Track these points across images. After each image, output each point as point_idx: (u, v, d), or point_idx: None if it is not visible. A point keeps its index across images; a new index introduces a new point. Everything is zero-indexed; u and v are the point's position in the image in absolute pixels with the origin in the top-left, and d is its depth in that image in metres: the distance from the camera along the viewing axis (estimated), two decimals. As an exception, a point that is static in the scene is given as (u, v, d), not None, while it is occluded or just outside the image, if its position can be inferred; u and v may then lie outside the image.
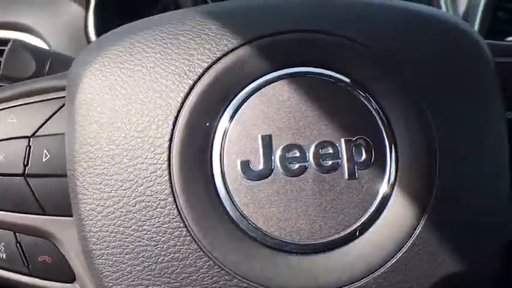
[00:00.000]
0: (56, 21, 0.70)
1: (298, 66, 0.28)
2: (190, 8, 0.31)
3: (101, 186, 0.27)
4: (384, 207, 0.28)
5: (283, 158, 0.27)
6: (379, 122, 0.28)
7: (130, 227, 0.26)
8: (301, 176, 0.27)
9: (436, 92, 0.29)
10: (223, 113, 0.28)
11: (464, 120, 0.29)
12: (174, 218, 0.27)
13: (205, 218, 0.27)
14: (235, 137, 0.27)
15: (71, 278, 0.30)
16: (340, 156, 0.28)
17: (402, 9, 0.31)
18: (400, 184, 0.28)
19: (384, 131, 0.28)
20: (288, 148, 0.27)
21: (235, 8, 0.30)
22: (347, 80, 0.29)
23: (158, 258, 0.26)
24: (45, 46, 0.68)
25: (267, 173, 0.27)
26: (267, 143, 0.27)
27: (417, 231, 0.28)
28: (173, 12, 0.32)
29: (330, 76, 0.28)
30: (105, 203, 0.27)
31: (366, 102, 0.28)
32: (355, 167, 0.28)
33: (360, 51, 0.29)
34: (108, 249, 0.26)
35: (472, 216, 0.29)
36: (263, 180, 0.27)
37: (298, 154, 0.27)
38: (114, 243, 0.26)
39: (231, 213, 0.27)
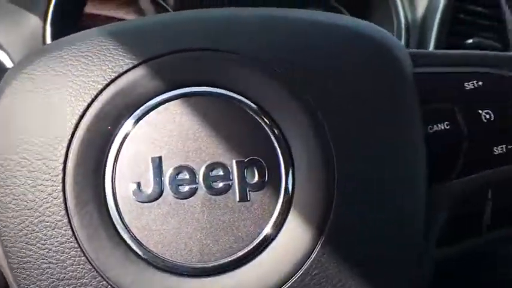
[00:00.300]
0: (16, 32, 0.70)
1: (189, 86, 0.28)
2: (95, 28, 0.31)
3: (10, 205, 0.27)
4: (279, 230, 0.27)
5: (173, 180, 0.27)
6: (275, 142, 0.28)
7: (35, 244, 0.27)
8: (191, 198, 0.27)
9: (338, 111, 0.28)
10: (116, 135, 0.28)
11: (369, 140, 0.29)
12: (69, 239, 0.27)
13: (98, 239, 0.27)
14: (127, 159, 0.27)
15: (3, 285, 0.30)
16: (231, 178, 0.27)
17: (305, 21, 0.31)
18: (296, 206, 0.27)
19: (279, 152, 0.28)
20: (178, 170, 0.27)
21: (133, 28, 0.30)
22: (242, 98, 0.28)
23: (60, 275, 0.27)
24: (6, 57, 0.68)
25: (157, 195, 0.27)
26: (157, 165, 0.27)
27: (314, 255, 0.27)
28: (84, 31, 0.32)
29: (223, 95, 0.28)
30: (15, 221, 0.27)
31: (261, 122, 0.28)
32: (247, 188, 0.27)
33: (255, 68, 0.28)
34: (21, 264, 0.27)
35: (376, 239, 0.28)
36: (154, 202, 0.27)
37: (188, 176, 0.27)
38: (24, 259, 0.27)
39: (122, 235, 0.27)
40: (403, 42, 0.69)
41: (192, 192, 0.27)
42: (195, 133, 0.27)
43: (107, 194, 0.27)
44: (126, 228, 0.27)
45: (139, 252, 0.27)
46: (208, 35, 0.29)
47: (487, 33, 0.70)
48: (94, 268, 0.27)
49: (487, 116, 0.32)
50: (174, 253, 0.27)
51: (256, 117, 0.28)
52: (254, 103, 0.28)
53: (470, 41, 0.68)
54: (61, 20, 0.68)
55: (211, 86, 0.28)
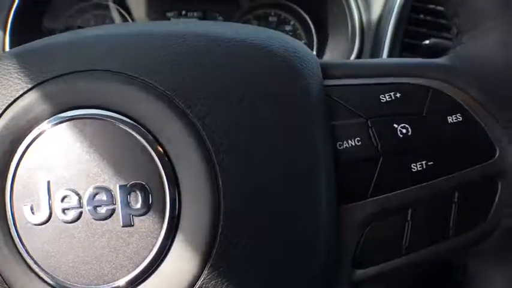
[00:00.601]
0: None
1: (77, 109, 0.27)
2: (8, 51, 0.31)
3: None
4: (165, 256, 0.26)
5: (60, 204, 0.26)
6: (160, 166, 0.26)
7: None
8: (77, 222, 0.26)
9: (226, 133, 0.27)
10: (12, 159, 0.27)
11: (260, 163, 0.27)
12: None
13: (3, 255, 0.27)
14: (22, 183, 0.27)
15: None
16: (115, 202, 0.26)
17: (198, 37, 0.29)
18: (182, 231, 0.26)
19: (164, 176, 0.26)
20: (64, 194, 0.26)
21: (37, 49, 0.29)
22: (128, 120, 0.27)
23: None
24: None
25: (46, 218, 0.26)
26: (46, 189, 0.26)
27: (200, 281, 0.26)
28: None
29: (109, 117, 0.27)
30: None
31: (146, 145, 0.26)
32: (131, 214, 0.26)
33: (140, 89, 0.27)
34: None
35: (268, 264, 0.27)
36: (44, 226, 0.27)
37: (73, 200, 0.26)
38: None
39: (22, 254, 0.27)
40: (357, 43, 0.67)
41: (78, 217, 0.26)
42: (82, 157, 0.27)
43: (7, 216, 0.27)
44: (24, 247, 0.27)
45: (37, 270, 0.27)
46: (94, 57, 0.28)
47: (448, 34, 0.68)
48: (4, 281, 0.27)
49: (404, 131, 0.30)
50: (65, 274, 0.27)
51: (142, 139, 0.27)
52: (140, 125, 0.27)
53: (427, 42, 0.66)
54: (21, 29, 0.67)
55: (98, 108, 0.27)
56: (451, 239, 0.31)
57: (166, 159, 0.26)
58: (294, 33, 0.83)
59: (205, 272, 0.26)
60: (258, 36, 0.30)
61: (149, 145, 0.26)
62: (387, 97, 0.30)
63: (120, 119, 0.27)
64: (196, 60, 0.28)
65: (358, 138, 0.29)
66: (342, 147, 0.29)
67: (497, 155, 0.31)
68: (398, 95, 0.30)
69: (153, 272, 0.26)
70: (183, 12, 0.84)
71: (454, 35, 0.35)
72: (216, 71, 0.28)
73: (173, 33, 0.29)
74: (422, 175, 0.30)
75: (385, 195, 0.30)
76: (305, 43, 0.83)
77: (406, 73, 0.31)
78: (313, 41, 0.80)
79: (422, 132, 0.30)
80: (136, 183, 0.26)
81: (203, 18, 0.84)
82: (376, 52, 0.66)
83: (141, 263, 0.26)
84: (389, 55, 0.64)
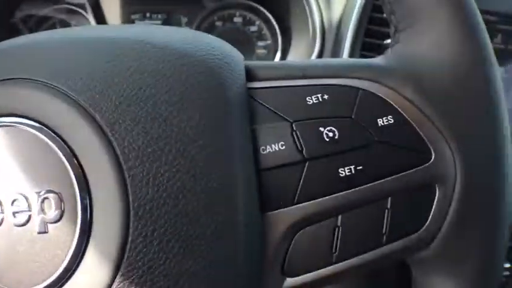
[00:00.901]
0: None
1: None
2: None
3: None
4: (78, 263, 0.26)
5: None
6: (71, 173, 0.26)
7: None
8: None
9: (137, 140, 0.26)
10: None
11: (172, 169, 0.26)
12: None
13: None
14: None
15: None
16: (31, 209, 0.26)
17: (116, 41, 0.28)
18: (94, 239, 0.25)
19: (75, 183, 0.26)
20: None
21: None
22: (42, 127, 0.26)
23: None
24: None
25: None
26: None
27: None
28: None
29: (25, 125, 0.26)
30: None
31: (58, 152, 0.26)
32: (45, 220, 0.26)
33: (55, 97, 0.26)
34: None
35: (181, 274, 0.26)
36: None
37: None
38: None
39: None
40: (317, 43, 0.66)
41: (0, 222, 0.26)
42: (1, 163, 0.26)
43: None
44: None
45: None
46: (12, 65, 0.28)
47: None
48: None
49: (330, 134, 0.29)
50: None
51: (55, 147, 0.26)
52: (53, 132, 0.26)
53: (388, 41, 0.65)
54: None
55: (13, 116, 0.27)
56: (385, 246, 0.29)
57: (78, 166, 0.26)
58: (260, 34, 0.82)
59: (117, 280, 0.25)
60: (175, 39, 0.29)
61: (61, 152, 0.26)
62: (314, 99, 0.29)
63: (34, 126, 0.26)
64: (108, 66, 0.27)
65: (282, 143, 0.28)
66: (265, 152, 0.28)
67: (432, 159, 0.30)
68: (326, 96, 0.29)
69: (68, 279, 0.26)
70: (147, 15, 0.83)
71: (391, 34, 0.34)
72: (129, 76, 0.27)
73: (87, 39, 0.28)
74: (351, 180, 0.29)
75: (312, 201, 0.28)
76: (270, 43, 0.83)
77: (335, 74, 0.30)
78: (278, 42, 0.79)
79: (351, 135, 0.29)
80: (50, 190, 0.26)
81: (167, 19, 0.83)
82: (337, 52, 0.65)
83: (56, 270, 0.26)
84: (350, 54, 0.63)
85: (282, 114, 0.29)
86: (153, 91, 0.27)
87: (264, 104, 0.29)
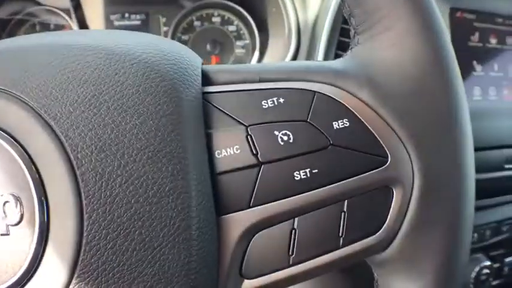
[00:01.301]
0: None
1: None
2: None
3: None
4: (38, 265, 0.26)
5: None
6: (29, 178, 0.26)
7: None
8: None
9: (89, 144, 0.26)
10: None
11: (123, 173, 0.26)
12: None
13: None
14: None
15: None
16: None
17: (67, 46, 0.28)
18: (52, 241, 0.26)
19: (33, 188, 0.26)
20: None
21: None
22: (1, 133, 0.27)
23: None
24: None
25: None
26: None
27: None
28: None
29: None
30: None
31: (17, 157, 0.26)
32: (7, 223, 0.26)
33: (12, 103, 0.27)
34: None
35: (138, 280, 0.26)
36: None
37: None
38: None
39: None
40: (293, 43, 0.66)
41: None
42: None
43: None
44: None
45: None
46: None
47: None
48: None
49: (285, 138, 0.29)
50: None
51: (13, 152, 0.26)
52: (11, 138, 0.27)
53: (363, 40, 0.65)
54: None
55: None
56: (341, 249, 0.30)
57: (36, 171, 0.26)
58: (238, 33, 0.82)
59: (74, 281, 0.25)
60: (132, 44, 0.29)
61: (20, 158, 0.26)
62: (269, 103, 0.29)
63: None
64: (64, 73, 0.27)
65: (237, 146, 0.28)
66: (220, 156, 0.28)
67: (388, 162, 0.30)
68: (281, 100, 0.29)
69: (28, 280, 0.26)
70: (126, 15, 0.83)
71: (351, 36, 0.34)
72: (84, 83, 0.27)
73: (44, 47, 0.29)
74: (307, 183, 0.29)
75: (268, 204, 0.29)
76: (249, 43, 0.83)
77: (292, 77, 0.30)
78: (255, 41, 0.79)
79: (305, 139, 0.29)
80: (11, 193, 0.26)
81: (146, 20, 0.83)
82: (312, 51, 0.65)
83: (17, 271, 0.26)
84: (325, 54, 0.63)
85: (237, 118, 0.29)
86: (106, 97, 0.27)
87: (220, 108, 0.29)
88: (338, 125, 0.29)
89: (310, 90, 0.30)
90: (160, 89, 0.28)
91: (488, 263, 0.81)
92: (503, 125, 0.74)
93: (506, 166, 0.75)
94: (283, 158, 0.29)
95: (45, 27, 0.87)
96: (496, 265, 0.83)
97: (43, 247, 0.26)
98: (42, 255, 0.26)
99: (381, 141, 0.30)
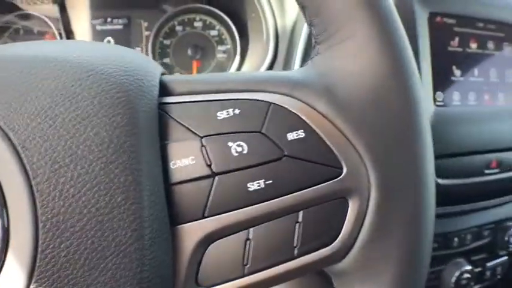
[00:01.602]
0: None
1: None
2: None
3: None
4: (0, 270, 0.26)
5: None
6: None
7: None
8: None
9: (44, 155, 0.27)
10: None
11: (77, 184, 0.27)
12: None
13: None
14: None
15: None
16: None
17: (19, 58, 0.29)
18: (12, 248, 0.26)
19: None
20: None
21: None
22: None
23: None
24: None
25: None
26: None
27: None
28: None
29: None
30: None
31: None
32: None
33: None
34: None
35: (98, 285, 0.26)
36: None
37: None
38: None
39: None
40: (270, 48, 0.66)
41: None
42: None
43: None
44: None
45: None
46: None
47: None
48: None
49: (239, 149, 0.29)
50: None
51: None
52: None
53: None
54: None
55: None
56: (297, 259, 0.30)
57: None
58: (220, 38, 0.82)
59: (32, 287, 0.26)
60: (90, 55, 0.29)
61: None
62: (225, 114, 0.29)
63: None
64: (23, 84, 0.28)
65: (192, 157, 0.29)
66: (175, 167, 0.28)
67: (344, 173, 0.30)
68: (237, 111, 0.30)
69: None
70: (108, 20, 0.83)
71: (313, 45, 0.34)
72: (41, 95, 0.27)
73: (3, 58, 0.29)
74: (261, 194, 0.29)
75: (223, 214, 0.29)
76: (230, 48, 0.83)
77: (248, 88, 0.31)
78: (236, 46, 0.79)
79: (259, 150, 0.29)
80: None
81: (128, 24, 0.83)
82: (290, 57, 0.65)
83: None
84: (303, 60, 0.63)
85: (192, 129, 0.29)
86: (61, 109, 0.27)
87: (176, 119, 0.29)
88: (293, 136, 0.30)
89: (266, 101, 0.30)
90: (115, 100, 0.28)
91: (469, 267, 0.81)
92: (484, 130, 0.74)
93: (487, 171, 0.75)
94: (236, 169, 0.29)
95: (29, 32, 0.87)
96: (478, 269, 0.83)
97: (4, 254, 0.26)
98: (3, 263, 0.26)
99: (336, 152, 0.30)
